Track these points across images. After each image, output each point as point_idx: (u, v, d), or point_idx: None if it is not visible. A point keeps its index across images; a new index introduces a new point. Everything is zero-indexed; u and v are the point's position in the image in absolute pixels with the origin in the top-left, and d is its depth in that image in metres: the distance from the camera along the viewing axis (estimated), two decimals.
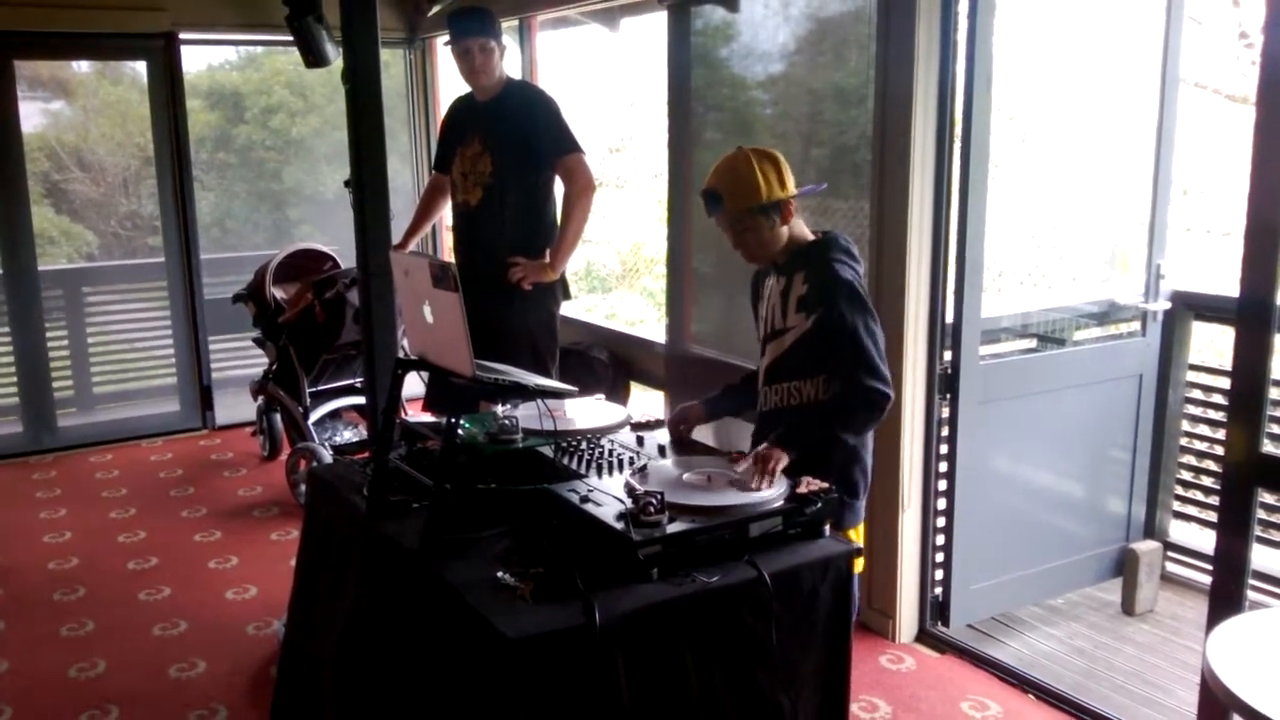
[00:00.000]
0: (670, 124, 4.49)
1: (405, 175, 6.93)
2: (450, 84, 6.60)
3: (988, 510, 3.62)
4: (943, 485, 3.58)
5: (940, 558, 3.63)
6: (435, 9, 5.86)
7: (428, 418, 3.99)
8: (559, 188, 4.12)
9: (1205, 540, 3.96)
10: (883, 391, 2.55)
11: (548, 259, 4.03)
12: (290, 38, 5.17)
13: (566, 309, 4.37)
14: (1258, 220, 2.35)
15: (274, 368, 5.27)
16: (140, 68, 6.38)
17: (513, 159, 3.99)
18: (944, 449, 3.56)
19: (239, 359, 6.53)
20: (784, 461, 2.39)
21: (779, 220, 2.64)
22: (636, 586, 2.02)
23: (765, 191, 2.59)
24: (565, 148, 3.99)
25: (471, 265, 4.07)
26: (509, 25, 5.63)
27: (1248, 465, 2.42)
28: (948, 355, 3.48)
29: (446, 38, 4.12)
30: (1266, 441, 2.41)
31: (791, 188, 2.65)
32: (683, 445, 2.72)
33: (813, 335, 2.61)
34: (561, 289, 4.18)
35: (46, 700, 3.38)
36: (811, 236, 2.73)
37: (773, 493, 2.26)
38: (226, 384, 6.44)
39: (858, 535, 2.80)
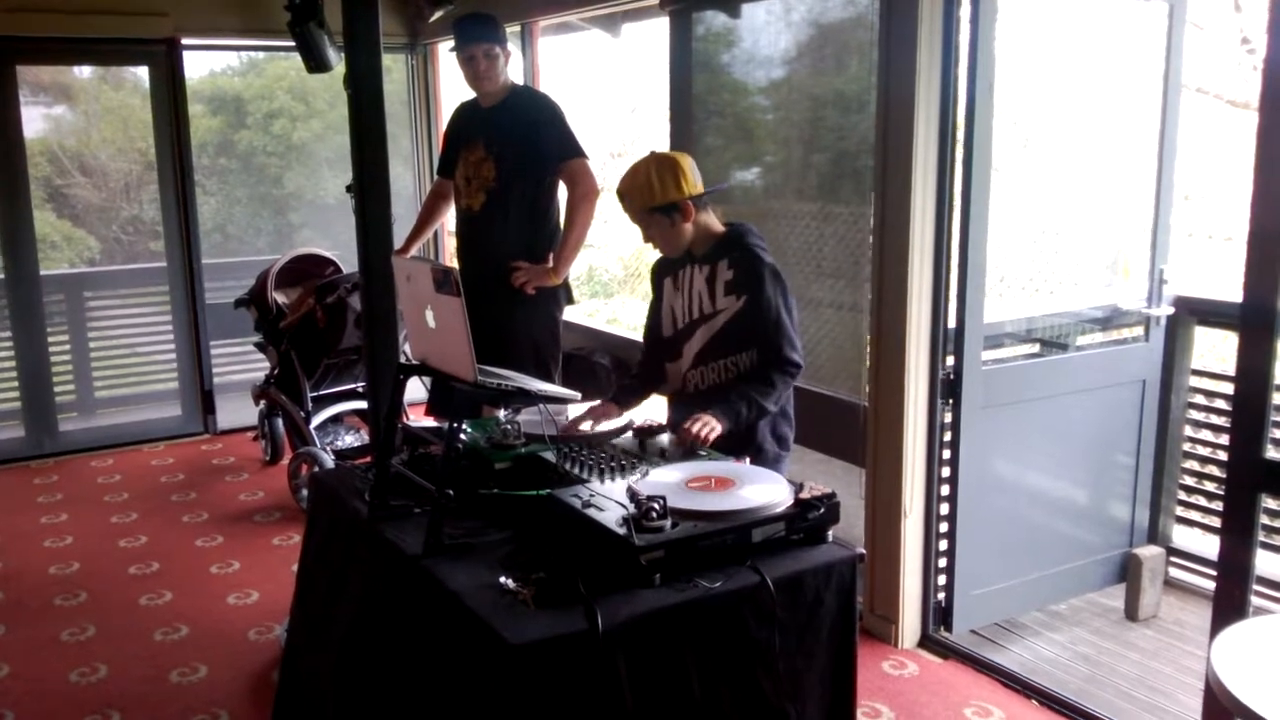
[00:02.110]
0: (672, 129, 4.49)
1: (407, 180, 6.94)
2: (452, 89, 6.60)
3: (990, 515, 3.62)
4: (945, 490, 3.58)
5: (943, 563, 3.62)
6: (437, 14, 5.86)
7: (430, 422, 3.99)
8: (562, 193, 4.13)
9: (1208, 546, 3.96)
10: (797, 362, 2.87)
11: (551, 263, 4.04)
12: (292, 43, 5.17)
13: (569, 314, 4.37)
14: (1261, 225, 2.35)
15: (275, 372, 5.27)
16: (142, 73, 6.40)
17: (516, 164, 3.99)
18: (946, 454, 3.55)
19: (240, 364, 6.54)
20: (719, 431, 2.66)
21: (680, 218, 2.89)
22: (639, 592, 2.02)
23: (659, 194, 2.85)
24: (569, 153, 3.99)
25: (474, 270, 4.07)
26: (511, 31, 5.63)
27: (1251, 471, 2.42)
28: (950, 360, 3.48)
29: (451, 43, 4.12)
30: (1270, 447, 2.41)
31: (693, 189, 2.88)
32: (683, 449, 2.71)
33: (743, 314, 2.87)
34: (564, 294, 4.18)
35: (47, 705, 3.38)
36: (722, 228, 2.97)
37: (777, 497, 2.25)
38: (228, 389, 6.45)
39: None
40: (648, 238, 2.97)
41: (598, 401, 2.99)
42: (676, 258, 3.02)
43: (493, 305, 3.90)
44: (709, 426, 2.65)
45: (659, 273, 3.12)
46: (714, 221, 2.97)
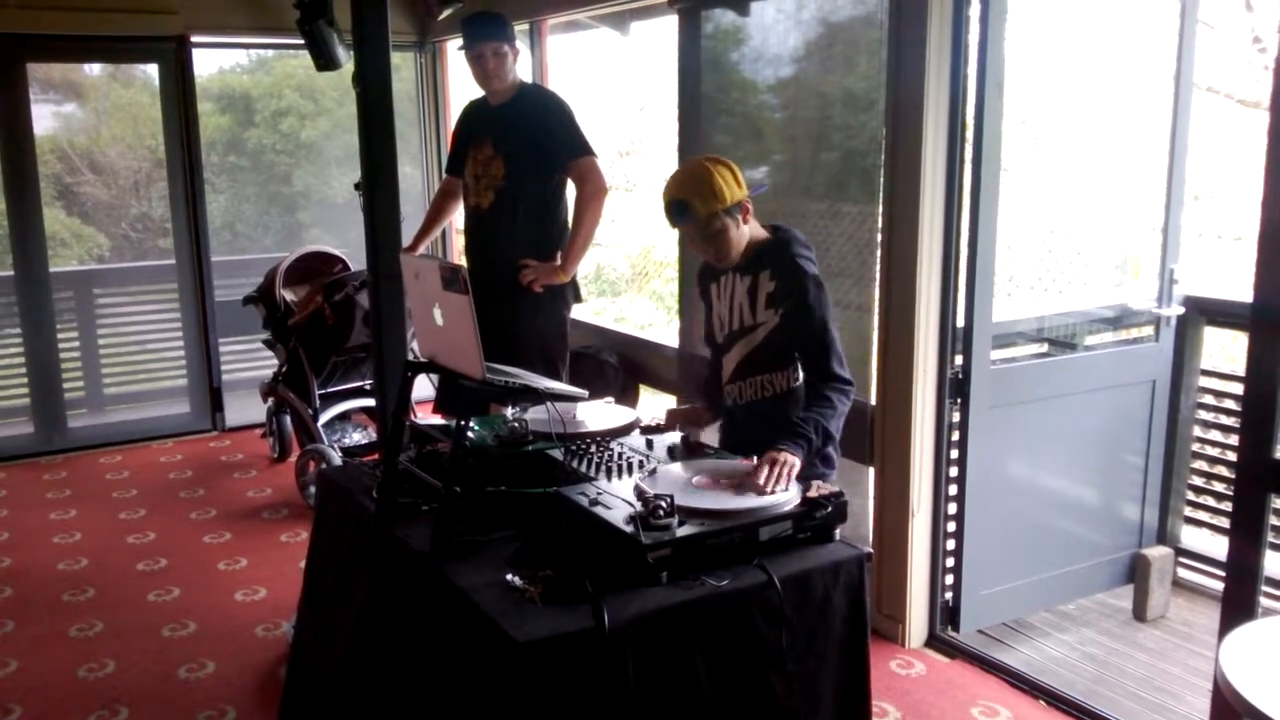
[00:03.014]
0: (680, 128, 4.49)
1: (415, 178, 6.95)
2: (461, 87, 6.61)
3: (998, 515, 3.61)
4: (953, 490, 3.57)
5: (951, 562, 3.62)
6: (446, 12, 5.87)
7: (437, 420, 3.99)
8: (570, 191, 4.13)
9: (1217, 546, 3.95)
10: (848, 379, 2.70)
11: (559, 261, 4.04)
12: (301, 41, 5.19)
13: (576, 312, 4.36)
14: (1271, 225, 2.34)
15: (284, 370, 5.28)
16: (152, 70, 6.41)
17: (525, 162, 3.99)
18: (954, 454, 3.54)
19: (249, 361, 6.55)
20: (797, 465, 2.41)
21: (741, 219, 2.74)
22: (646, 590, 2.02)
23: (728, 194, 2.68)
24: (578, 151, 3.99)
25: (482, 268, 4.07)
26: (519, 29, 5.63)
27: (1260, 471, 2.41)
28: (958, 360, 3.47)
29: (460, 42, 4.12)
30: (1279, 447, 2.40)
31: (746, 188, 2.74)
32: (690, 447, 2.71)
33: (782, 329, 2.72)
34: (572, 292, 4.17)
35: (55, 700, 3.39)
36: (765, 234, 2.82)
37: (783, 496, 2.25)
38: (236, 386, 6.46)
39: None
40: (708, 247, 2.76)
41: (689, 405, 2.93)
42: (721, 267, 2.84)
43: (500, 303, 3.90)
44: (787, 465, 2.38)
45: (703, 279, 2.96)
46: (757, 227, 2.81)
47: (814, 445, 2.54)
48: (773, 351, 2.76)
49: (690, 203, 2.69)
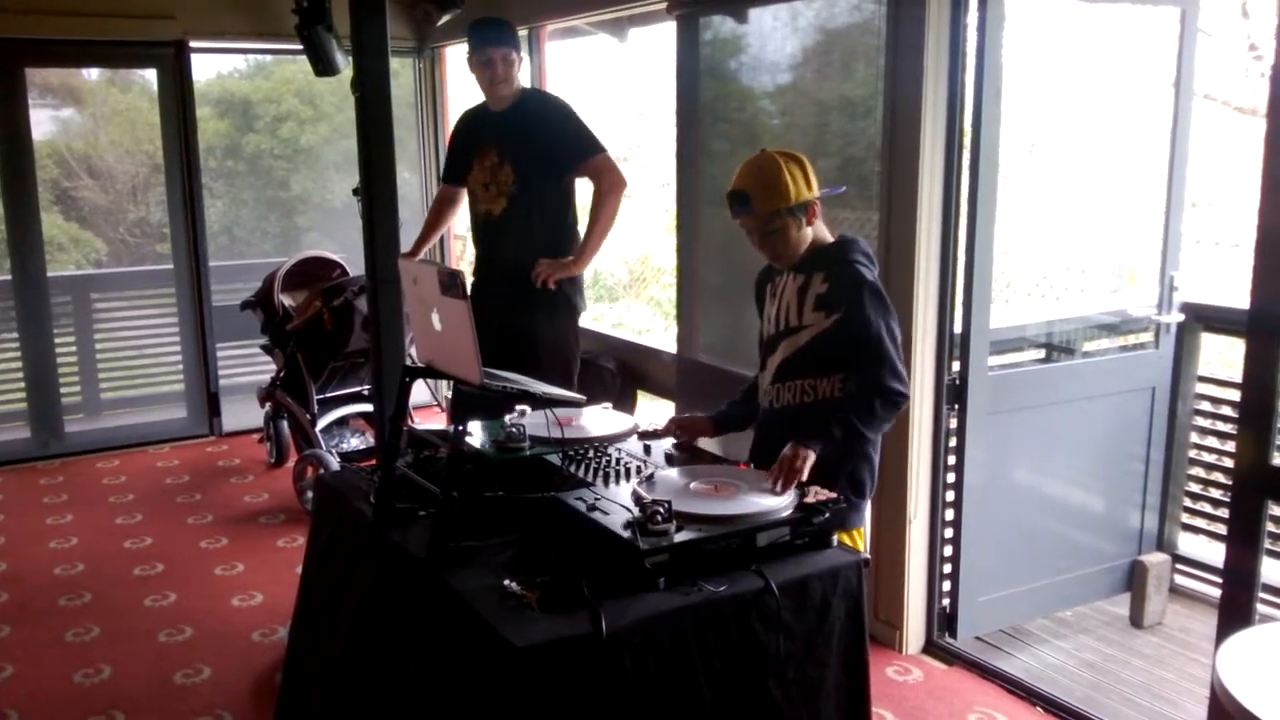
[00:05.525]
0: (678, 134, 4.50)
1: (414, 184, 6.94)
2: (460, 93, 6.61)
3: (996, 522, 3.61)
4: (950, 496, 3.57)
5: (948, 569, 3.61)
6: (445, 18, 5.87)
7: (434, 425, 3.98)
8: (580, 191, 4.12)
9: (1214, 553, 3.95)
10: (902, 392, 2.58)
11: (571, 258, 4.01)
12: (300, 46, 5.19)
13: None
14: (1268, 232, 2.34)
15: (281, 375, 5.27)
16: (150, 76, 6.42)
17: (535, 167, 3.97)
18: (952, 460, 3.54)
19: (246, 366, 6.55)
20: (811, 460, 2.40)
21: (805, 221, 2.64)
22: (643, 595, 2.02)
23: (794, 193, 2.59)
24: (589, 150, 3.98)
25: (498, 275, 4.05)
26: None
27: (1257, 477, 2.41)
28: (956, 365, 3.48)
29: (461, 47, 4.11)
30: (1277, 454, 2.40)
31: (816, 189, 2.66)
32: (682, 450, 2.71)
33: (832, 334, 2.61)
34: (580, 298, 4.15)
35: (51, 705, 3.38)
36: (831, 239, 2.72)
37: (781, 501, 2.25)
38: (234, 391, 6.46)
39: (860, 536, 2.79)
40: (765, 244, 2.68)
41: (693, 414, 2.87)
42: (778, 266, 2.76)
43: (517, 310, 3.88)
44: (800, 459, 2.40)
45: (760, 283, 2.89)
46: (824, 230, 2.72)
47: (836, 439, 2.50)
48: (817, 356, 2.64)
49: (751, 196, 2.60)
